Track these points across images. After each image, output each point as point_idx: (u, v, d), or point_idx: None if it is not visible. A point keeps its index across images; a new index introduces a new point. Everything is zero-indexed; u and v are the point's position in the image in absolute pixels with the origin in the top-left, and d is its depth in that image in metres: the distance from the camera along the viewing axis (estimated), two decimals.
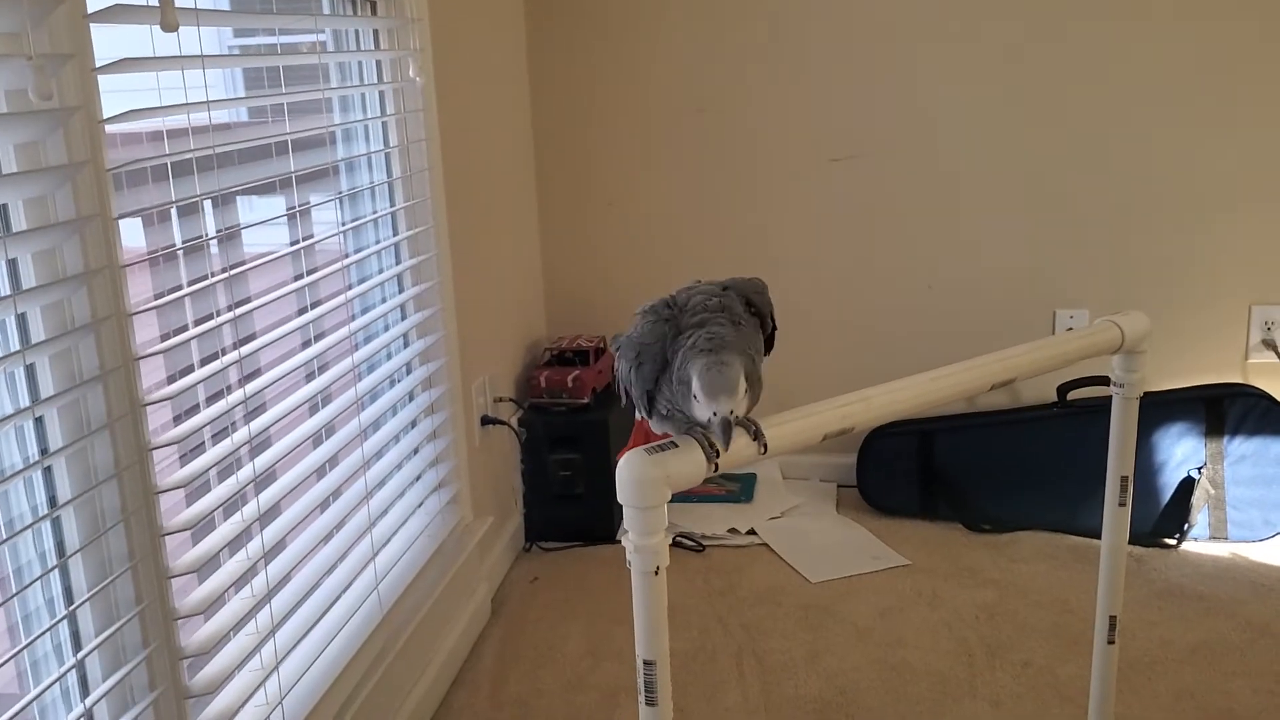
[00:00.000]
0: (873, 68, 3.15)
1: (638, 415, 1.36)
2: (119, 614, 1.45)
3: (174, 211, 1.65)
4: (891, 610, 2.67)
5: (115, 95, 1.44)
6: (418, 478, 2.41)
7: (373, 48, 2.30)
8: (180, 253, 1.66)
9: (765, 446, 1.20)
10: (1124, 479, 1.60)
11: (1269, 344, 3.13)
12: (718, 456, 1.16)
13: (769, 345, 1.30)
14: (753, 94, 3.21)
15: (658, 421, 1.25)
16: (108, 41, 1.42)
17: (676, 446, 1.15)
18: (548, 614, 2.72)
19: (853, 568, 2.89)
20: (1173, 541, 2.91)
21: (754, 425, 1.21)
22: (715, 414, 1.14)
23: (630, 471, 1.12)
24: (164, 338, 1.62)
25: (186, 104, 1.56)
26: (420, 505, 2.41)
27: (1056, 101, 3.10)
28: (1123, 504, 1.61)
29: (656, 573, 1.13)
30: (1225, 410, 2.93)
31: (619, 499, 1.13)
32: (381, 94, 2.34)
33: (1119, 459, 1.60)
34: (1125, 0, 3.01)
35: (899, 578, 2.84)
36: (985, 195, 3.19)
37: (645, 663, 1.15)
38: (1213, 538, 2.93)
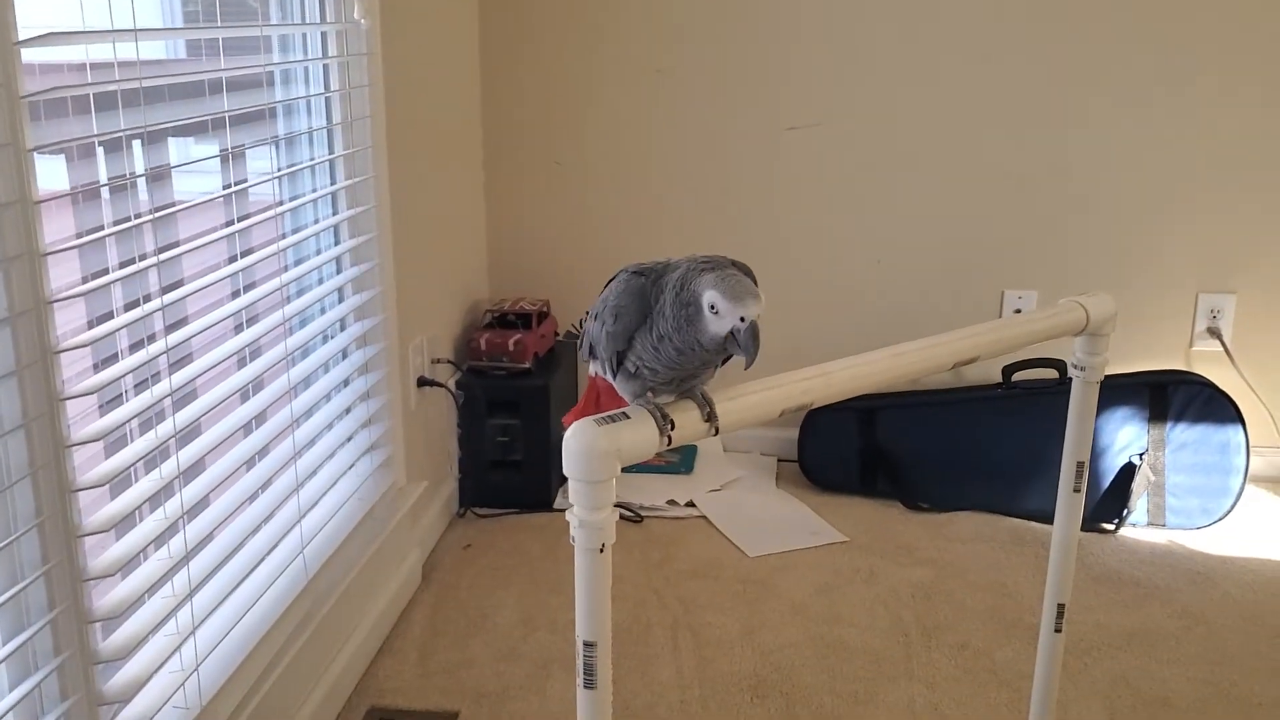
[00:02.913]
0: (832, 38, 3.09)
1: (591, 372, 1.28)
2: (23, 574, 1.36)
3: (99, 149, 1.55)
4: (828, 587, 2.64)
5: (35, 27, 1.33)
6: (349, 439, 2.32)
7: None
8: (104, 194, 1.56)
9: (717, 429, 1.13)
10: (1080, 465, 1.56)
11: (1214, 332, 3.13)
12: (671, 429, 1.10)
13: None
14: (712, 56, 3.14)
15: (623, 380, 1.18)
16: None
17: (628, 418, 1.08)
18: (480, 581, 2.65)
19: (791, 543, 2.86)
20: (1111, 527, 2.91)
21: (709, 405, 1.14)
22: (743, 318, 1.07)
23: (579, 442, 1.05)
24: (85, 282, 1.52)
25: (112, 30, 1.46)
26: (351, 467, 2.32)
27: (1012, 86, 3.07)
28: (1077, 490, 1.58)
29: (601, 550, 1.06)
30: (1169, 397, 2.92)
31: (565, 471, 1.06)
32: (324, 35, 2.23)
33: (1076, 444, 1.56)
34: None
35: (837, 554, 2.81)
36: (939, 173, 3.15)
37: (586, 644, 1.09)
38: (1151, 524, 2.93)
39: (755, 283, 1.11)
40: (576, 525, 1.06)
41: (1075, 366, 1.53)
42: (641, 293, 1.12)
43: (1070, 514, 1.59)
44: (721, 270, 1.09)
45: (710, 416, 1.15)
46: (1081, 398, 1.54)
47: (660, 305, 1.11)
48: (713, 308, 1.07)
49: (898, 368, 1.29)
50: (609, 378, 1.19)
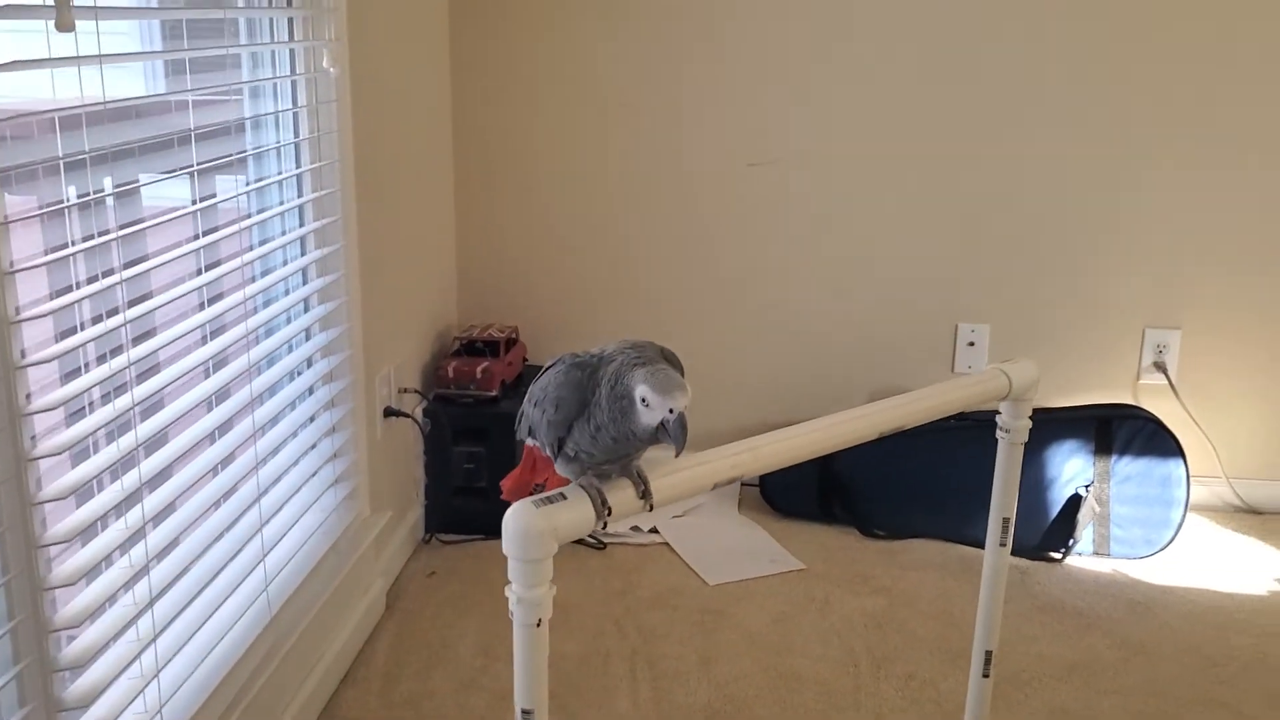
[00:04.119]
0: (791, 77, 3.17)
1: (529, 441, 1.36)
2: None
3: (71, 199, 1.61)
4: (784, 616, 2.72)
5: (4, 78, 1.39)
6: (314, 474, 2.38)
7: (286, 38, 2.25)
8: (74, 240, 1.62)
9: (652, 505, 1.21)
10: (1005, 520, 1.64)
11: (1160, 366, 3.23)
12: (609, 514, 1.17)
13: None
14: (676, 92, 3.21)
15: (563, 462, 1.25)
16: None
17: (565, 498, 1.16)
18: (444, 610, 2.72)
19: (750, 571, 2.93)
20: (1058, 556, 3.00)
21: (643, 483, 1.22)
22: (672, 410, 1.15)
23: (517, 523, 1.12)
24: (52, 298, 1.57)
25: (83, 104, 1.52)
26: (316, 502, 2.38)
27: (964, 126, 3.15)
28: (1003, 544, 1.66)
29: (539, 625, 1.14)
30: (1114, 431, 3.02)
31: (504, 549, 1.13)
32: (294, 84, 2.29)
33: (1002, 500, 1.65)
34: (1032, 30, 3.08)
35: (793, 582, 2.89)
36: (894, 211, 3.24)
37: (524, 712, 1.16)
38: (1096, 553, 3.02)
39: (682, 372, 1.19)
40: (515, 602, 1.13)
41: (1001, 430, 1.61)
42: (580, 385, 1.20)
43: (997, 566, 1.67)
44: (652, 365, 1.17)
45: (645, 494, 1.22)
46: (1007, 459, 1.62)
47: (597, 398, 1.18)
48: (644, 401, 1.15)
49: (824, 440, 1.37)
50: (551, 457, 1.26)
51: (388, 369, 2.80)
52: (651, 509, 1.22)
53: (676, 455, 1.19)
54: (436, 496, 3.07)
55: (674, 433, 1.15)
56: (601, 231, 3.34)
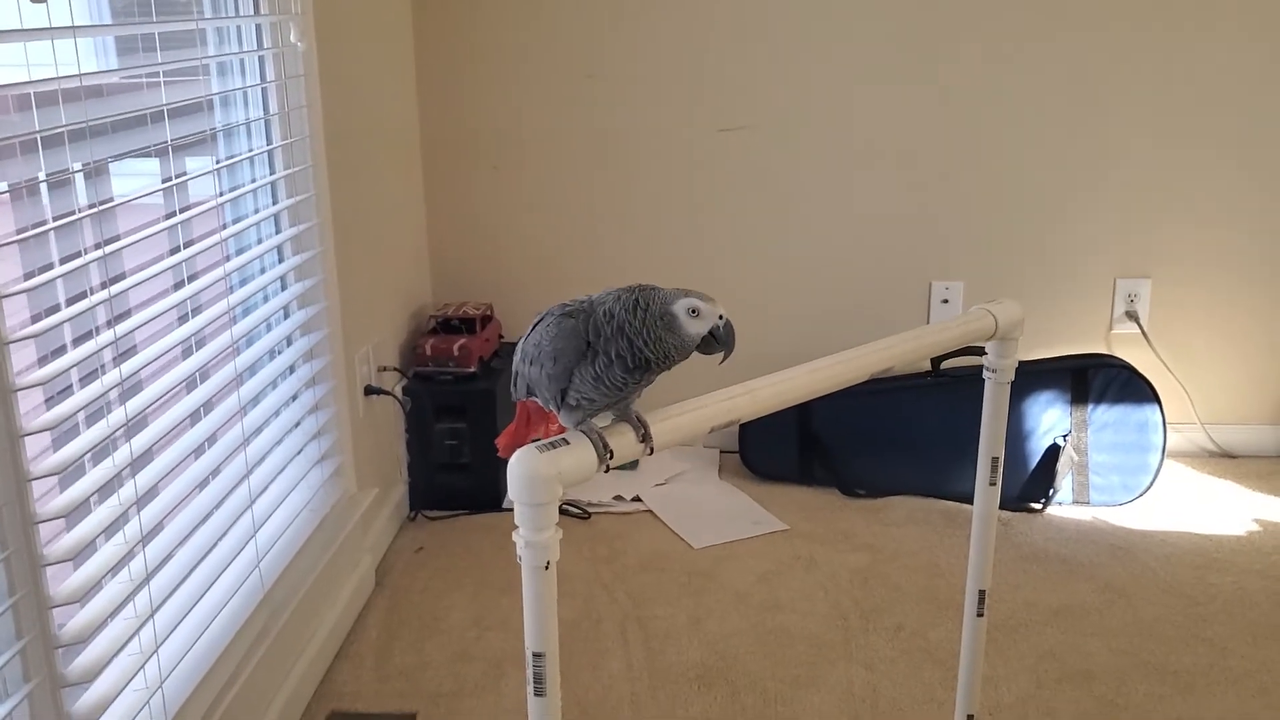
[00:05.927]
0: (759, 41, 3.17)
1: (521, 396, 1.36)
2: None
3: (44, 188, 1.59)
4: (770, 575, 2.74)
5: None
6: (299, 452, 2.37)
7: (252, 12, 2.23)
8: (53, 234, 1.60)
9: (652, 449, 1.22)
10: (994, 460, 1.66)
11: (1132, 315, 3.27)
12: (610, 457, 1.18)
13: None
14: (643, 60, 3.21)
15: (566, 413, 1.26)
16: None
17: (568, 444, 1.16)
18: (433, 584, 2.72)
19: (734, 533, 2.95)
20: (1038, 506, 3.04)
21: (643, 426, 1.22)
22: (721, 316, 1.22)
23: (522, 468, 1.13)
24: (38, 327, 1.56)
25: (57, 77, 1.50)
26: (302, 479, 2.38)
27: (935, 86, 3.18)
28: (993, 483, 1.68)
29: (547, 567, 1.14)
30: (1090, 380, 3.06)
31: (510, 495, 1.13)
32: (261, 59, 2.27)
33: (990, 440, 1.67)
34: None
35: (777, 542, 2.91)
36: (866, 171, 3.25)
37: (535, 654, 1.17)
38: (1076, 502, 3.07)
39: None
40: (523, 545, 1.14)
41: (988, 369, 1.63)
42: (575, 332, 1.20)
43: (987, 506, 1.69)
44: (674, 288, 1.22)
45: (645, 437, 1.23)
46: (994, 398, 1.64)
47: (613, 329, 1.18)
48: (693, 311, 1.20)
49: (817, 382, 1.38)
50: (555, 411, 1.26)
51: (366, 347, 2.79)
52: (652, 452, 1.23)
53: (724, 360, 1.24)
54: (420, 473, 3.07)
55: (724, 337, 1.23)
56: (572, 204, 3.34)
